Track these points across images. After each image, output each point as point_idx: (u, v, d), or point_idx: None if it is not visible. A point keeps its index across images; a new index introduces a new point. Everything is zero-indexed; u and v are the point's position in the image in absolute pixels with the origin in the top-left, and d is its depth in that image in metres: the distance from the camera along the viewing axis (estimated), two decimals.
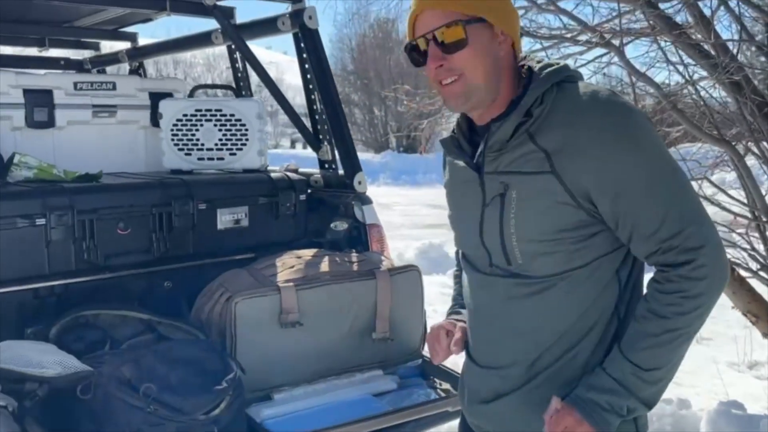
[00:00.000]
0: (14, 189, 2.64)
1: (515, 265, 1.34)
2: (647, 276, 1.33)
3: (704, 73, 3.49)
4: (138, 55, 4.04)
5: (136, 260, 2.72)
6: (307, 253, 2.68)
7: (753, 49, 3.82)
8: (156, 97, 3.38)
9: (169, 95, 3.42)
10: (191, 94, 3.45)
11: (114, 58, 4.21)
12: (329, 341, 2.48)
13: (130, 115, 3.41)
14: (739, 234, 3.63)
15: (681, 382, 3.97)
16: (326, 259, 2.62)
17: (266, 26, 3.09)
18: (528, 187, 1.29)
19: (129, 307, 2.50)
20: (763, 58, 3.78)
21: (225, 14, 3.13)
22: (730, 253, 3.59)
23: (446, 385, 2.54)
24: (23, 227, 2.49)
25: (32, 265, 2.52)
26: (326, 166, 3.12)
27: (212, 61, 28.11)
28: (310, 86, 3.04)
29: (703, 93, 3.50)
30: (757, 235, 3.56)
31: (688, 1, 3.27)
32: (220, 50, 3.81)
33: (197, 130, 3.18)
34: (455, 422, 1.75)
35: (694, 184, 3.40)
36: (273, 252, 2.73)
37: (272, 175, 3.11)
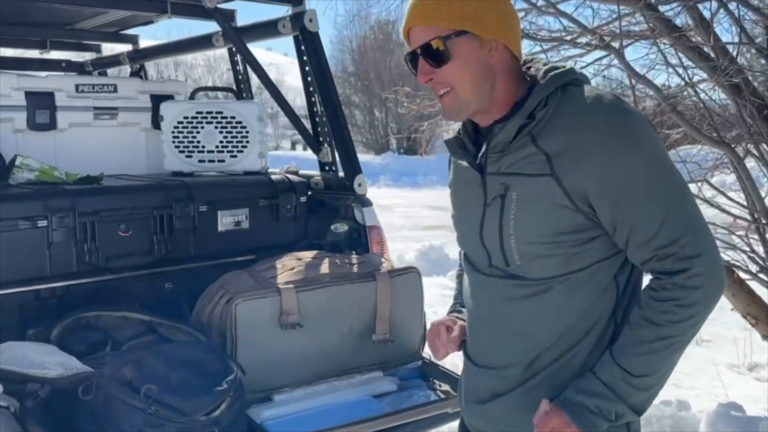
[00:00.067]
0: (16, 191, 2.65)
1: (513, 267, 1.35)
2: (646, 282, 1.33)
3: (704, 76, 3.50)
4: (139, 57, 4.05)
5: (137, 262, 2.73)
6: (308, 255, 2.69)
7: (753, 51, 3.83)
8: (157, 100, 3.39)
9: (170, 97, 3.44)
10: (192, 97, 3.47)
11: (115, 61, 4.22)
12: (329, 343, 2.49)
13: (131, 118, 3.43)
14: (739, 236, 3.64)
15: (681, 383, 3.98)
16: (326, 261, 2.63)
17: (267, 29, 3.10)
18: (528, 189, 1.30)
19: (130, 308, 2.51)
20: (763, 61, 3.79)
21: (226, 17, 3.14)
22: (730, 255, 3.59)
23: (446, 387, 2.55)
24: (25, 229, 2.50)
25: (34, 266, 2.53)
26: (326, 168, 3.13)
27: (213, 63, 28.12)
28: (311, 89, 3.05)
29: (702, 95, 3.50)
30: (756, 237, 3.56)
31: (687, 3, 3.28)
32: (221, 52, 3.82)
33: (198, 132, 3.19)
34: (455, 423, 1.76)
35: (693, 186, 3.42)
36: (273, 254, 2.74)
37: (273, 177, 3.12)
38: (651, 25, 3.46)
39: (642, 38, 3.61)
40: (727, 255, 3.59)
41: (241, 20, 3.30)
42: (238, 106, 3.23)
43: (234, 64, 3.65)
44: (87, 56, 4.41)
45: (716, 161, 3.90)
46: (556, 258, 1.31)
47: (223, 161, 3.20)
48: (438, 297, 5.29)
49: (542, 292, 1.33)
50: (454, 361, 2.25)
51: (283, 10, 3.02)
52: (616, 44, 3.41)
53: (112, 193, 2.78)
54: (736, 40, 3.39)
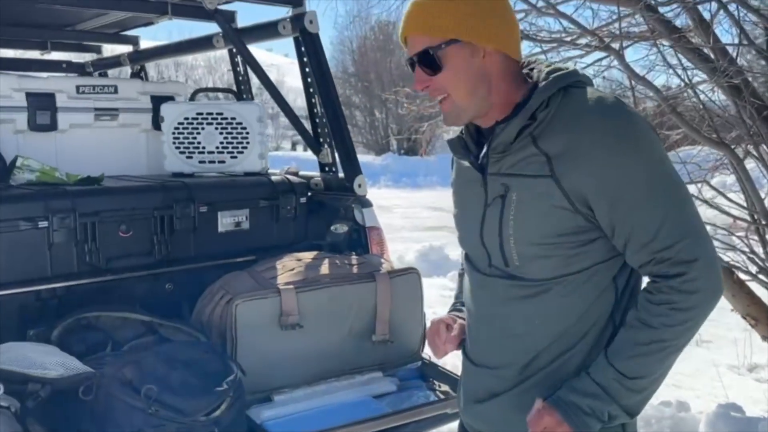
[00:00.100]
0: (17, 192, 2.66)
1: (513, 267, 1.35)
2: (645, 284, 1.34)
3: (704, 77, 3.50)
4: (140, 58, 4.06)
5: (138, 263, 2.73)
6: (308, 256, 2.70)
7: (753, 52, 3.83)
8: (157, 101, 3.40)
9: (170, 98, 3.44)
10: (192, 98, 3.47)
11: (116, 61, 4.22)
12: (329, 343, 2.50)
13: (131, 119, 3.43)
14: (739, 237, 3.64)
15: (680, 384, 3.98)
16: (326, 261, 2.64)
17: (267, 30, 3.10)
18: (528, 190, 1.31)
19: (130, 309, 2.52)
20: (763, 62, 3.79)
21: (226, 18, 3.15)
22: (730, 256, 3.60)
23: (445, 387, 2.55)
24: (26, 230, 2.50)
25: (34, 267, 2.54)
26: (326, 169, 3.14)
27: (213, 64, 28.14)
28: (311, 89, 3.06)
29: (702, 96, 3.51)
30: (756, 238, 3.56)
31: (687, 4, 3.28)
32: (222, 53, 3.82)
33: (198, 133, 3.20)
34: (454, 424, 1.77)
35: (693, 187, 3.42)
36: (273, 254, 2.74)
37: (273, 178, 3.12)
38: (651, 26, 3.47)
39: (642, 39, 3.61)
40: (727, 256, 3.59)
41: (242, 21, 3.31)
42: (239, 107, 3.23)
43: (234, 65, 3.65)
44: (88, 57, 4.42)
45: (716, 162, 3.90)
46: (555, 259, 1.31)
47: (223, 162, 3.21)
48: (438, 298, 5.30)
49: (541, 293, 1.34)
50: (454, 362, 2.25)
51: (284, 12, 3.03)
52: (615, 45, 3.41)
53: (112, 193, 2.79)
54: (736, 41, 3.39)
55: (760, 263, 3.55)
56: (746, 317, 3.79)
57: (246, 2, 3.09)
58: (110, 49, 4.44)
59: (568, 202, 1.27)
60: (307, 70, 3.03)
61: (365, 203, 2.93)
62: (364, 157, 15.89)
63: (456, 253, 7.18)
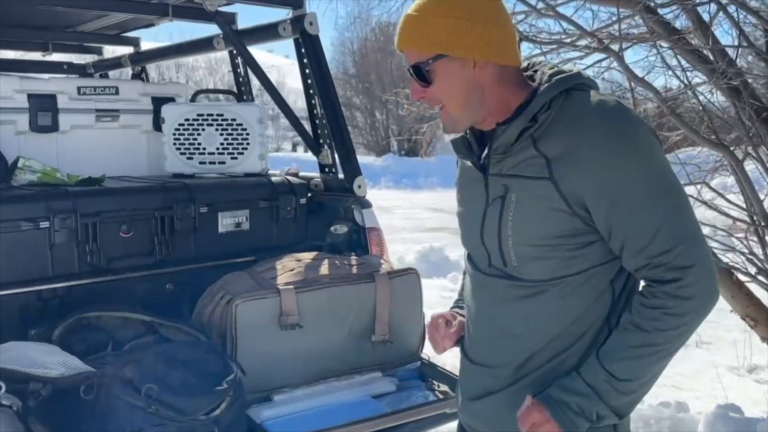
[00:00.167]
0: (18, 192, 2.67)
1: (511, 267, 1.36)
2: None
3: (703, 78, 3.51)
4: (140, 59, 4.07)
5: (139, 263, 2.74)
6: (307, 256, 2.71)
7: (753, 54, 3.84)
8: (158, 102, 3.41)
9: (171, 100, 3.45)
10: (193, 99, 3.48)
11: (117, 63, 4.24)
12: (329, 343, 2.50)
13: (132, 120, 3.44)
14: (738, 238, 3.65)
15: (680, 385, 3.99)
16: (326, 262, 2.65)
17: (267, 32, 3.11)
18: (527, 192, 1.31)
19: (131, 309, 2.53)
20: (762, 64, 3.80)
21: (227, 20, 3.16)
22: (729, 258, 3.60)
23: (444, 387, 2.56)
24: (27, 230, 2.51)
25: (36, 267, 2.54)
26: (326, 170, 3.15)
27: (214, 65, 28.18)
28: (311, 91, 3.07)
29: (701, 98, 3.51)
30: (755, 239, 3.57)
31: (686, 6, 3.29)
32: (222, 54, 3.84)
33: (199, 134, 3.21)
34: (453, 424, 1.77)
35: (693, 188, 3.43)
36: (273, 255, 2.75)
37: (273, 179, 3.13)
38: (650, 27, 3.48)
39: (641, 41, 3.62)
40: (726, 257, 3.60)
41: (242, 23, 3.32)
42: (239, 109, 3.24)
43: (235, 66, 3.66)
44: (89, 58, 4.43)
45: (716, 164, 3.91)
46: (552, 261, 1.32)
47: (223, 163, 3.22)
48: (438, 299, 5.31)
49: (538, 293, 1.34)
50: (453, 362, 2.26)
51: (284, 13, 3.04)
52: (615, 47, 3.42)
53: (113, 194, 2.80)
54: (736, 43, 3.40)
55: (759, 264, 3.56)
56: (745, 318, 3.80)
57: (246, 4, 3.11)
58: (111, 51, 4.45)
59: (566, 204, 1.28)
60: (307, 71, 3.04)
61: (365, 204, 2.94)
62: (364, 158, 15.90)
63: (456, 254, 7.20)
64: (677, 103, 3.68)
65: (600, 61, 3.71)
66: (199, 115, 3.21)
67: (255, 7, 3.13)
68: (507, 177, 1.34)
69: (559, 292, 1.33)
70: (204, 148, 3.21)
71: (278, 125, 24.47)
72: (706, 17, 3.36)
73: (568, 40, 3.69)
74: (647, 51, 3.66)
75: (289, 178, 3.17)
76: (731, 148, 3.45)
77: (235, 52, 3.50)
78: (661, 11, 3.39)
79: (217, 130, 3.21)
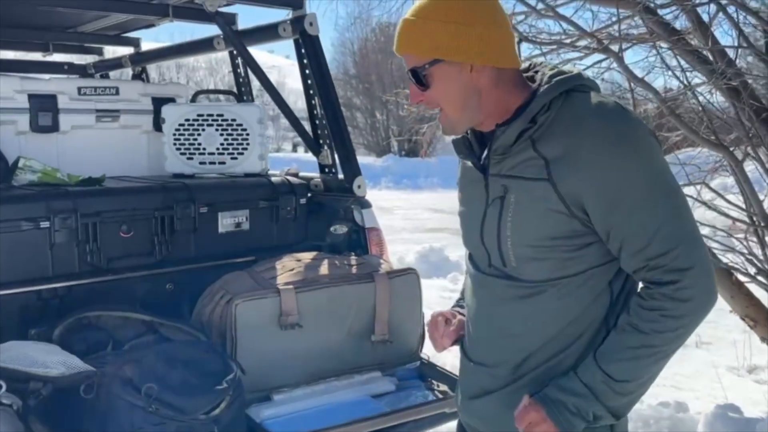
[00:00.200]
0: (19, 192, 2.67)
1: (510, 268, 1.36)
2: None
3: (703, 79, 3.51)
4: (141, 60, 4.08)
5: (139, 263, 2.75)
6: (307, 256, 2.71)
7: (753, 54, 3.84)
8: (158, 102, 3.42)
9: (171, 100, 3.46)
10: (193, 99, 3.49)
11: (117, 63, 4.24)
12: (328, 343, 2.51)
13: (133, 120, 3.45)
14: (738, 239, 3.65)
15: (680, 386, 3.99)
16: (326, 262, 2.65)
17: (267, 32, 3.12)
18: (525, 193, 1.32)
19: (131, 308, 2.53)
20: (762, 65, 3.80)
21: (227, 20, 3.17)
22: (729, 258, 3.61)
23: (444, 387, 2.56)
24: (28, 230, 2.52)
25: (36, 267, 2.55)
26: (326, 170, 3.15)
27: (214, 65, 28.20)
28: (311, 91, 3.07)
29: (701, 98, 3.52)
30: (755, 239, 3.57)
31: (686, 6, 3.30)
32: (223, 54, 3.84)
33: (199, 134, 3.21)
34: (453, 423, 1.78)
35: (692, 188, 3.43)
36: (273, 255, 2.76)
37: (273, 179, 3.14)
38: (650, 28, 3.48)
39: (641, 41, 3.62)
40: (725, 257, 3.60)
41: (242, 23, 3.33)
42: (239, 109, 3.25)
43: (235, 66, 3.67)
44: (89, 59, 4.44)
45: (715, 164, 3.91)
46: (550, 261, 1.32)
47: (223, 163, 3.22)
48: (438, 299, 5.31)
49: (536, 294, 1.35)
50: (453, 362, 2.26)
51: (284, 14, 3.05)
52: (615, 47, 3.43)
53: (113, 194, 2.80)
54: (736, 43, 3.41)
55: (759, 265, 3.56)
56: (745, 318, 3.80)
57: (246, 4, 3.11)
58: (112, 51, 4.46)
59: (564, 206, 1.28)
60: (307, 72, 3.05)
61: (365, 204, 2.95)
62: (364, 159, 15.90)
63: (456, 254, 7.21)
64: (677, 103, 3.68)
65: (600, 61, 3.71)
66: (199, 115, 3.22)
67: (255, 8, 3.14)
68: (506, 178, 1.34)
69: (557, 292, 1.33)
70: (204, 149, 3.22)
71: (278, 126, 24.48)
72: (705, 18, 3.37)
73: (568, 41, 3.69)
74: (647, 51, 3.66)
75: (289, 178, 3.18)
76: (731, 149, 3.45)
77: (235, 52, 3.51)
78: (660, 12, 3.40)
79: (217, 130, 3.21)
